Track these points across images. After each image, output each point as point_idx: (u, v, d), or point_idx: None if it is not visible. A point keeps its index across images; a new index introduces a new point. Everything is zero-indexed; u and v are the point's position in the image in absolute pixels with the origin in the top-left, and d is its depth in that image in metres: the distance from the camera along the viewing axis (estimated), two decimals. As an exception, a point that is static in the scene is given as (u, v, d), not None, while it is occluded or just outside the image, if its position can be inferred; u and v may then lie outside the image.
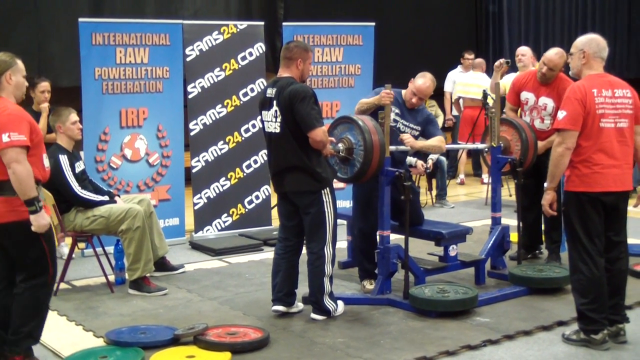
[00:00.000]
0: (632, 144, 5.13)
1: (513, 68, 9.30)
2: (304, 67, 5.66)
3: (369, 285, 6.32)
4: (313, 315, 5.71)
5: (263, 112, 5.72)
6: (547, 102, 6.93)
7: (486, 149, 7.02)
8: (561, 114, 5.05)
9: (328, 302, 5.69)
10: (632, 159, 5.18)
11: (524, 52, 8.80)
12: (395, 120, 6.26)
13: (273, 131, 5.62)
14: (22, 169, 4.44)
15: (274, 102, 5.56)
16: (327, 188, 5.61)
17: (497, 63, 8.29)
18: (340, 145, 5.88)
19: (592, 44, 5.11)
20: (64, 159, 6.43)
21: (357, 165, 5.84)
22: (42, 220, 4.54)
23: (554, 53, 6.88)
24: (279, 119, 5.54)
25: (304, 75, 5.71)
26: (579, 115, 4.99)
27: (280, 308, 5.78)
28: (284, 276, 5.77)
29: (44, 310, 4.79)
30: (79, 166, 6.68)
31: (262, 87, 8.31)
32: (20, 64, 4.72)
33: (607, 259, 5.13)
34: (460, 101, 11.96)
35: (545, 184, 5.27)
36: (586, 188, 5.04)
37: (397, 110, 6.30)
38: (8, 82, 4.63)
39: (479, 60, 12.03)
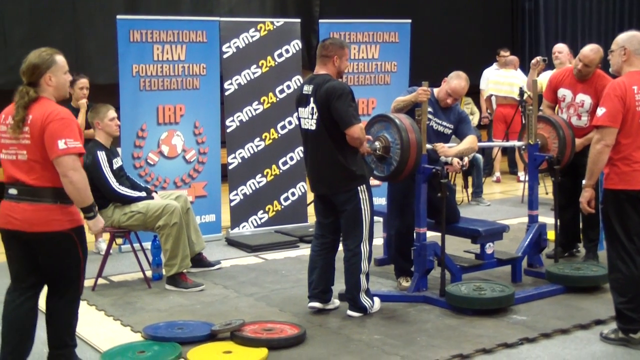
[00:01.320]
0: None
1: (550, 65, 9.22)
2: (340, 64, 5.66)
3: (405, 283, 6.31)
4: (349, 312, 5.71)
5: (300, 109, 5.73)
6: (585, 98, 6.87)
7: (523, 147, 6.98)
8: (600, 111, 5.01)
9: (364, 299, 5.70)
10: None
11: (560, 49, 8.71)
12: (428, 119, 6.23)
13: (309, 128, 5.62)
14: (79, 177, 4.26)
15: (311, 99, 5.57)
16: (364, 185, 5.61)
17: (533, 61, 8.21)
18: (377, 144, 5.87)
19: (633, 40, 5.06)
20: (102, 155, 6.49)
21: (393, 164, 5.83)
22: (100, 223, 4.51)
23: (589, 49, 6.83)
24: (315, 116, 5.55)
25: (341, 72, 5.71)
26: (618, 112, 4.95)
27: (317, 305, 5.79)
28: (320, 273, 5.78)
29: (76, 319, 4.63)
30: (117, 162, 6.74)
31: (299, 84, 8.32)
32: (60, 61, 4.41)
33: (645, 258, 5.08)
34: (493, 99, 11.89)
35: (584, 181, 5.23)
36: (625, 186, 5.00)
37: (430, 109, 6.26)
38: (48, 84, 4.37)
39: (511, 57, 11.92)
